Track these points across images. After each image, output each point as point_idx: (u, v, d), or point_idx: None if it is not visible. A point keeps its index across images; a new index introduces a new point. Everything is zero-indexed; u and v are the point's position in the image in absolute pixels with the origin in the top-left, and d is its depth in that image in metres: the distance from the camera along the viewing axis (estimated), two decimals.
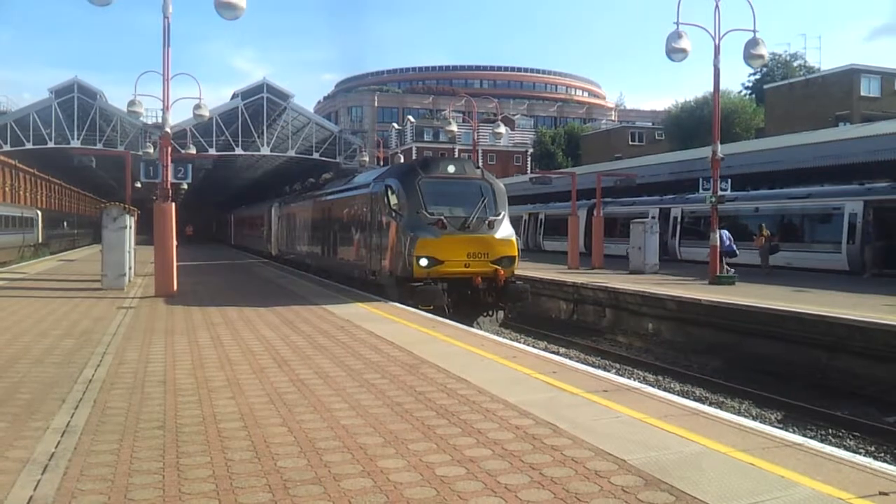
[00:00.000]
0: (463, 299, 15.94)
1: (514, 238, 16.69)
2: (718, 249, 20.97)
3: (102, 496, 4.50)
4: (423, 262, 15.54)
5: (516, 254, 16.59)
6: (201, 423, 6.16)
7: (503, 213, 16.68)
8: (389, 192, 16.93)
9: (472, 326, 13.61)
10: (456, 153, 68.37)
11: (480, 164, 20.95)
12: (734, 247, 22.38)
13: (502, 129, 35.75)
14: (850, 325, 13.35)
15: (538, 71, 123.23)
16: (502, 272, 15.97)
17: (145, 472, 4.94)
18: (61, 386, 7.61)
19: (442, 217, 15.86)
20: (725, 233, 22.89)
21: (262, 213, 40.60)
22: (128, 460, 5.18)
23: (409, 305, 14.83)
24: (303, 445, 5.54)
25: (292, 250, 30.81)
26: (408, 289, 15.44)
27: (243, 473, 4.91)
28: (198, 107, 25.36)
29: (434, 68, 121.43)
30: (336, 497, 4.49)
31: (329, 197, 24.18)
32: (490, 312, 16.67)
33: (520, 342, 14.42)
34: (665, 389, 11.74)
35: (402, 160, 69.82)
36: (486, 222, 16.15)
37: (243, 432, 5.90)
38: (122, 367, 8.69)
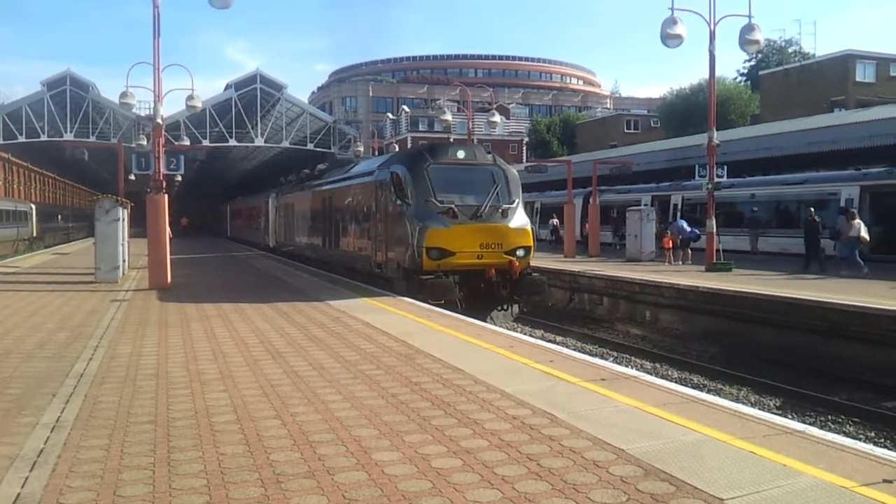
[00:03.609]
0: (475, 293, 15.08)
1: (529, 227, 15.90)
2: (715, 237, 21.03)
3: (91, 493, 4.41)
4: (433, 253, 14.71)
5: (532, 244, 15.81)
6: (193, 417, 6.07)
7: (517, 200, 15.87)
8: (396, 180, 16.02)
9: (485, 321, 13.00)
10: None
11: None
12: (696, 231, 23.43)
13: (497, 117, 35.47)
14: (848, 310, 13.32)
15: (533, 59, 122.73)
16: (517, 263, 15.14)
17: (135, 467, 4.85)
18: (52, 380, 7.52)
19: (452, 205, 15.00)
20: (682, 222, 24.50)
21: (259, 204, 40.25)
22: (118, 456, 5.09)
23: (417, 300, 14.10)
24: (296, 438, 5.46)
25: (291, 242, 30.18)
26: (417, 282, 14.65)
27: (235, 468, 4.82)
28: (190, 98, 25.08)
29: (428, 57, 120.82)
30: (329, 491, 4.41)
31: (330, 186, 23.35)
32: (504, 306, 15.86)
33: (516, 331, 14.34)
34: (663, 377, 11.69)
35: (397, 150, 69.57)
36: (500, 210, 15.33)
37: (236, 426, 5.81)
38: (115, 360, 8.60)
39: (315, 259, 24.85)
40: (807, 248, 20.79)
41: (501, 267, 15.13)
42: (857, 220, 19.05)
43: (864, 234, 18.96)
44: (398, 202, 15.84)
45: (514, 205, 15.72)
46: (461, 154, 16.27)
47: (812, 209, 21.71)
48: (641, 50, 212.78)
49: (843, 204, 23.27)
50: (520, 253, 15.34)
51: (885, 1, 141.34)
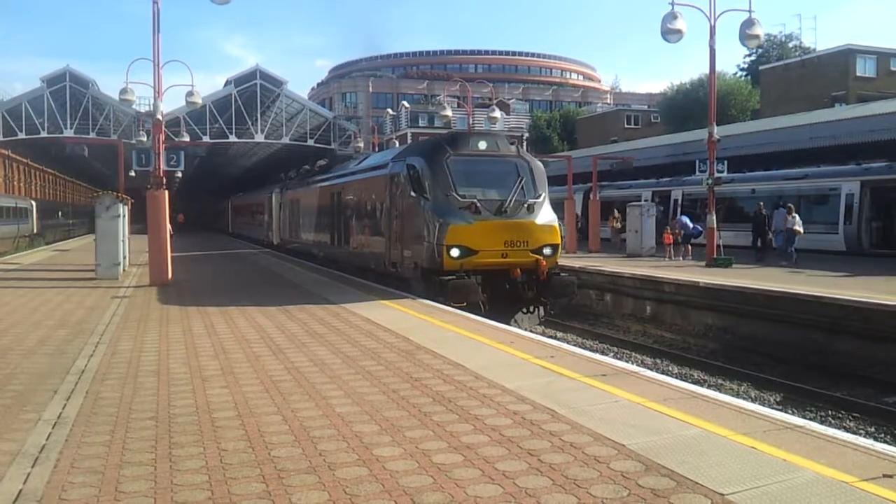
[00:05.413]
0: (499, 294, 14.12)
1: (556, 224, 14.94)
2: (715, 231, 21.06)
3: (93, 489, 4.42)
4: (455, 251, 13.70)
5: (559, 241, 15.03)
6: (194, 413, 6.08)
7: (543, 194, 14.86)
8: (412, 173, 14.99)
9: (509, 324, 12.43)
10: None
11: None
12: (699, 228, 23.57)
13: (497, 113, 35.60)
14: (847, 305, 13.32)
15: (533, 55, 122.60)
16: (544, 263, 14.19)
17: (137, 463, 4.86)
18: (54, 377, 7.53)
19: (475, 200, 14.00)
20: (685, 218, 24.76)
21: (262, 200, 39.62)
22: (119, 452, 5.10)
23: (438, 302, 13.16)
24: (297, 434, 5.46)
25: (296, 239, 29.25)
26: (437, 283, 13.64)
27: (237, 464, 4.83)
28: (190, 94, 25.07)
29: (428, 53, 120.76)
30: (331, 486, 4.41)
31: (339, 180, 22.29)
32: (530, 308, 14.90)
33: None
34: (663, 372, 11.68)
35: (396, 146, 69.41)
36: (526, 206, 14.36)
37: (237, 421, 5.82)
38: (116, 357, 8.61)
39: (323, 257, 24.02)
40: (754, 240, 22.62)
41: (527, 266, 14.20)
42: (794, 215, 20.65)
43: (799, 227, 20.65)
44: (415, 197, 14.86)
45: (541, 199, 14.80)
46: (483, 145, 15.30)
47: (762, 203, 23.09)
48: (642, 45, 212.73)
49: (843, 199, 23.33)
50: (547, 251, 14.45)
51: None
